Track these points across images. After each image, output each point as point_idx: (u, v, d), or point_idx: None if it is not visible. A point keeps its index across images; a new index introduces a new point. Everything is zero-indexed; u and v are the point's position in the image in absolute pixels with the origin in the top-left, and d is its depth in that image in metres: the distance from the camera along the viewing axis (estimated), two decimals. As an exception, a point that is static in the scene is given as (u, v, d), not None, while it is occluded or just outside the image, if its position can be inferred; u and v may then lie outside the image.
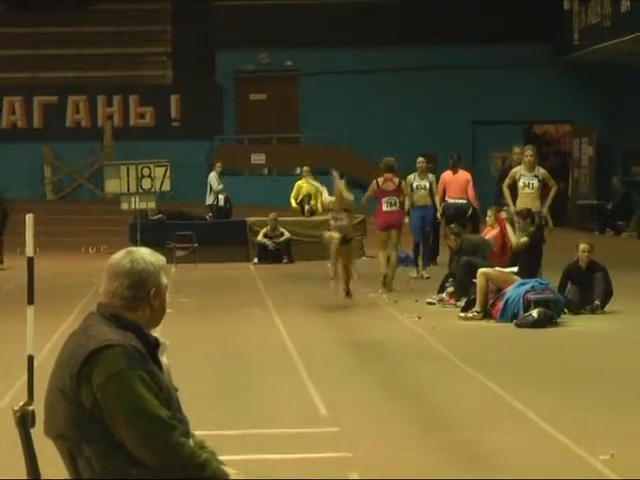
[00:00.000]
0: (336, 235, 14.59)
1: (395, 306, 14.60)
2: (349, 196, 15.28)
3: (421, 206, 17.77)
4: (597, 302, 13.28)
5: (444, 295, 14.73)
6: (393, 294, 15.52)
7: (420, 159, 18.03)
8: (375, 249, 17.38)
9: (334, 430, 8.17)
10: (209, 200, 23.60)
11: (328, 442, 7.90)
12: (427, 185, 17.92)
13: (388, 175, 16.11)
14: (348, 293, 14.59)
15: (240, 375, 10.55)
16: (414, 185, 17.73)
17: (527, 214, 13.87)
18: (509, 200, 14.88)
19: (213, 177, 23.77)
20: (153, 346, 4.16)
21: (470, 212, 17.93)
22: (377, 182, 16.16)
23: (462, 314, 13.54)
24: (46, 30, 25.14)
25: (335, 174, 15.76)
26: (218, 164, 24.04)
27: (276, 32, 24.88)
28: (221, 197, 23.55)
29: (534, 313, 12.72)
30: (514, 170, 15.20)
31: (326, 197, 16.62)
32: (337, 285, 14.73)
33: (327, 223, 16.10)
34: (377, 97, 25.65)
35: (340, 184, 15.26)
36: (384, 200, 15.94)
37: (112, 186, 20.83)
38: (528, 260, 13.64)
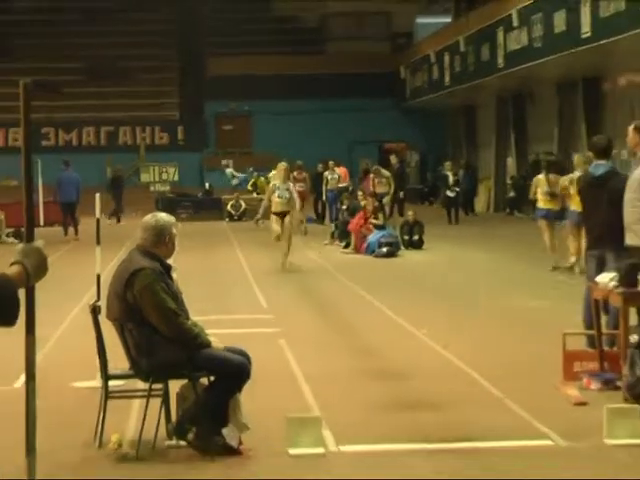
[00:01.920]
0: (276, 228, 17.37)
1: (307, 247, 21.94)
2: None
3: (331, 189, 27.83)
4: (416, 238, 22.22)
5: (333, 239, 23.79)
6: (306, 239, 22.58)
7: (331, 163, 29.05)
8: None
9: (271, 317, 13.20)
10: (234, 182, 37.33)
11: (267, 323, 12.66)
12: (337, 177, 28.50)
13: (299, 171, 26.25)
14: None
15: (215, 283, 17.24)
16: (328, 177, 28.06)
17: (374, 195, 23.99)
18: (372, 189, 24.62)
19: (229, 172, 38.41)
20: (167, 269, 7.06)
21: (350, 190, 27.55)
22: (293, 175, 23.40)
23: (343, 250, 21.85)
24: (110, 90, 42.39)
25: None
26: (228, 165, 39.62)
27: (239, 91, 41.08)
28: (235, 182, 37.46)
29: (384, 249, 20.34)
30: (373, 172, 25.68)
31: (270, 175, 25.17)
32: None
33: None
34: (297, 127, 40.70)
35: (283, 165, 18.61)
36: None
37: (145, 178, 40.51)
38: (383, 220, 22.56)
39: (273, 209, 17.59)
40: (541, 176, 17.73)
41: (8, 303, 3.71)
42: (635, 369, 7.73)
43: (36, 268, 3.86)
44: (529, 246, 20.31)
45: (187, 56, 42.52)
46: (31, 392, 4.24)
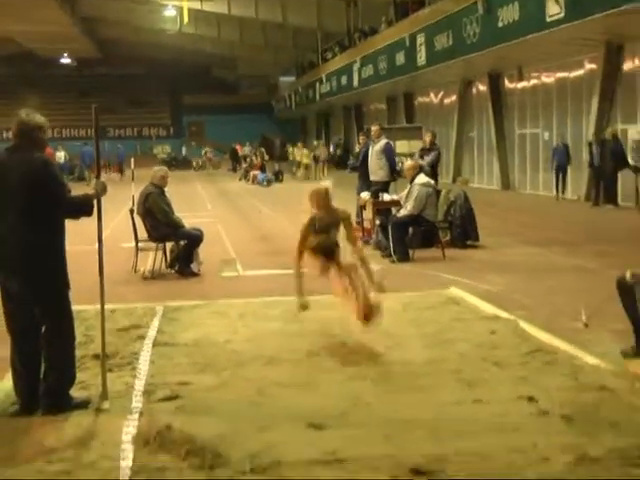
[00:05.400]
0: None
1: (232, 182, 34.96)
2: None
3: (243, 155, 45.92)
4: (280, 178, 39.64)
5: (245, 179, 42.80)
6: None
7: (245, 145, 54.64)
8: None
9: (213, 214, 23.14)
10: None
11: (211, 216, 21.67)
12: (246, 149, 52.93)
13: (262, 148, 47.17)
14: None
15: (186, 198, 26.89)
16: (246, 150, 51.22)
17: (263, 156, 44.82)
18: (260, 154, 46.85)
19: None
20: (163, 191, 13.28)
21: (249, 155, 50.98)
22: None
23: (246, 183, 41.18)
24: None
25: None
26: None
27: (199, 111, 74.13)
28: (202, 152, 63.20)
29: (265, 182, 39.98)
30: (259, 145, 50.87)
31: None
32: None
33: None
34: (227, 128, 68.76)
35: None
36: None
37: (156, 151, 70.61)
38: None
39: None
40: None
41: (90, 205, 6.26)
42: (378, 236, 15.18)
43: (101, 190, 6.37)
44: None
45: (174, 95, 76.48)
46: (100, 249, 6.68)
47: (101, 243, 6.67)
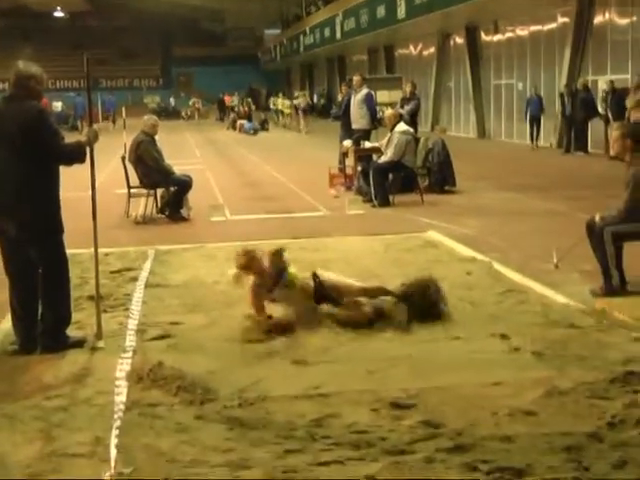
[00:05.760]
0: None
1: (220, 130, 35.93)
2: None
3: (229, 106, 49.40)
4: (267, 126, 39.97)
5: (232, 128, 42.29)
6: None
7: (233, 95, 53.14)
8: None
9: (202, 161, 23.77)
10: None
11: (199, 163, 22.58)
12: (234, 99, 50.79)
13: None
14: None
15: (175, 147, 26.19)
16: (234, 101, 49.42)
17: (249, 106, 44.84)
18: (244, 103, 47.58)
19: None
20: (154, 139, 13.49)
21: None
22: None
23: (233, 131, 40.54)
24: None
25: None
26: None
27: (188, 62, 72.32)
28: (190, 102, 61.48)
29: (251, 131, 40.19)
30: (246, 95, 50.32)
31: None
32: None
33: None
34: (215, 79, 67.33)
35: None
36: None
37: (146, 100, 63.87)
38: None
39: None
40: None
41: (82, 152, 6.22)
42: (359, 182, 15.15)
43: (93, 137, 6.32)
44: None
45: (164, 47, 75.49)
46: (94, 195, 6.64)
47: (94, 189, 6.64)
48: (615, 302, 7.25)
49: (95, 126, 6.60)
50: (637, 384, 5.20)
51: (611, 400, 4.96)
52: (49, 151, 6.11)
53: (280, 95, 50.38)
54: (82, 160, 6.28)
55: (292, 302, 6.66)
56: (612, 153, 8.02)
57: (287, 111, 46.02)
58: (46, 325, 6.29)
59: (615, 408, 4.80)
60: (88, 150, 6.37)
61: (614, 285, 7.56)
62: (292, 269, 6.76)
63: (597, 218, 7.74)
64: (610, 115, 21.61)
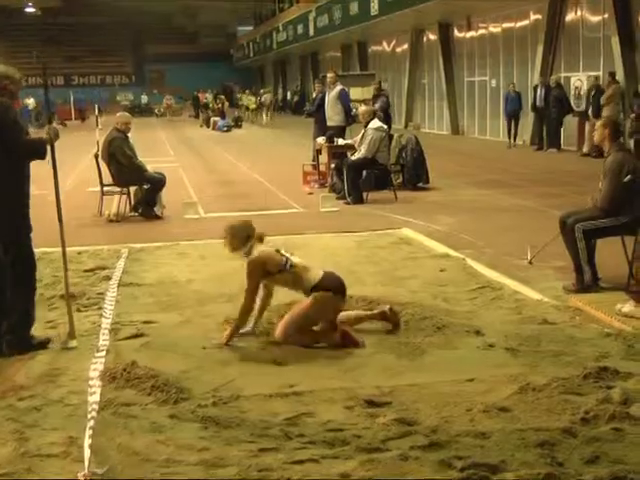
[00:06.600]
0: None
1: (195, 128, 36.17)
2: None
3: (202, 103, 48.06)
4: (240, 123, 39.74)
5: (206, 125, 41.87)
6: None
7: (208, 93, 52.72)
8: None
9: (175, 159, 22.99)
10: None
11: (173, 162, 21.75)
12: (208, 96, 49.55)
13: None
14: None
15: (149, 144, 25.85)
16: (208, 97, 49.52)
17: (222, 102, 44.35)
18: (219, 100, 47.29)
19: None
20: (127, 136, 13.18)
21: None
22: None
23: (207, 129, 40.19)
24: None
25: None
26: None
27: (161, 60, 72.50)
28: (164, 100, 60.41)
29: (224, 128, 39.63)
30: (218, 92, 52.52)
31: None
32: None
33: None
34: (188, 75, 67.52)
35: None
36: None
37: (119, 98, 66.36)
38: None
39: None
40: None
41: (43, 150, 6.18)
42: (333, 179, 15.16)
43: (54, 135, 6.31)
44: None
45: (136, 44, 75.38)
46: (58, 196, 6.50)
47: (57, 187, 6.56)
48: (588, 298, 7.30)
49: (55, 125, 6.57)
50: (610, 380, 5.24)
51: (584, 396, 4.99)
52: (11, 146, 6.07)
53: (247, 92, 52.11)
54: (42, 156, 6.23)
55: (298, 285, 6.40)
56: (595, 141, 8.15)
57: (253, 107, 48.19)
58: (10, 324, 6.24)
59: (588, 404, 4.82)
60: (49, 148, 6.32)
61: (587, 281, 7.61)
62: (296, 259, 6.56)
63: (569, 214, 7.80)
64: (591, 112, 21.59)
